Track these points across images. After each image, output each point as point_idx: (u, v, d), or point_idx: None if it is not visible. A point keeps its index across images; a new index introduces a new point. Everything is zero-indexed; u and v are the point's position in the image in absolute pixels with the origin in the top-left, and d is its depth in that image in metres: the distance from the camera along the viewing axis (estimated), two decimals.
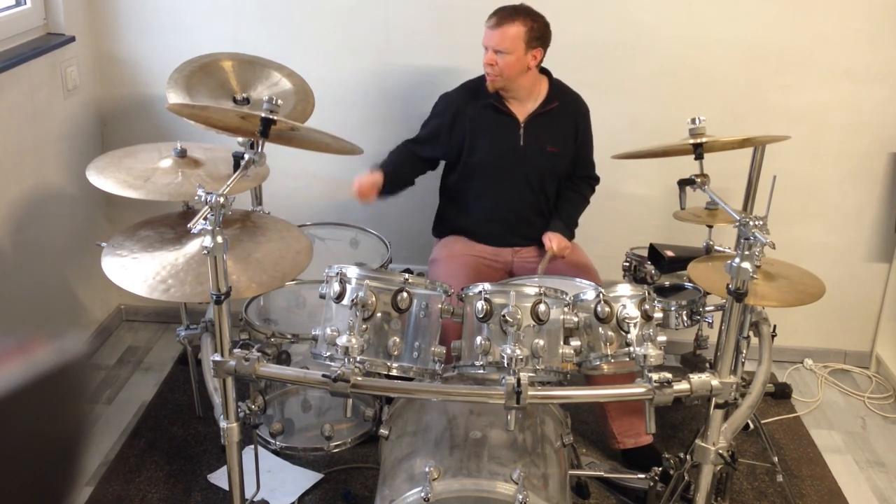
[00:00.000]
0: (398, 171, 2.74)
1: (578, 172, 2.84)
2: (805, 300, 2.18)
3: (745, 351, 2.34)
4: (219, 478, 2.57)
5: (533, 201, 2.76)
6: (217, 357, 1.85)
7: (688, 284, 2.61)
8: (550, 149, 2.72)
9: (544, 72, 2.73)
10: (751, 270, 1.75)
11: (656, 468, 2.25)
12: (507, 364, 1.76)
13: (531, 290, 1.86)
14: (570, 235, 2.78)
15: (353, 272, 1.86)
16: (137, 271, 2.06)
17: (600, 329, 1.89)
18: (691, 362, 2.87)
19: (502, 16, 2.55)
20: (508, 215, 2.76)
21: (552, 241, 2.69)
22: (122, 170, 2.38)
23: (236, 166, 2.11)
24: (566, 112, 2.74)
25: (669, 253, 2.56)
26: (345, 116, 3.14)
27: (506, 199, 2.74)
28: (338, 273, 1.88)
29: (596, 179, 2.91)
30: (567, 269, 2.63)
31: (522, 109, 2.70)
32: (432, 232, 2.95)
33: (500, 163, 2.71)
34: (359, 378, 1.77)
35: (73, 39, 2.96)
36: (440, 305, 1.90)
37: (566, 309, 1.90)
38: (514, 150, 2.70)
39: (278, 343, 2.42)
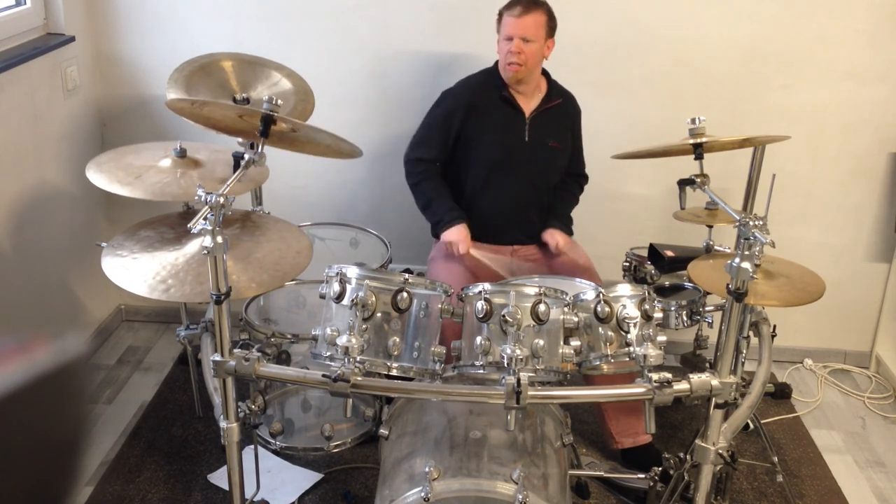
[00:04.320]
0: (446, 191, 2.75)
1: (570, 171, 2.87)
2: (805, 299, 2.18)
3: (745, 351, 2.34)
4: (219, 478, 2.57)
5: (533, 197, 2.78)
6: (217, 357, 1.85)
7: (688, 284, 2.61)
8: (552, 144, 2.75)
9: (542, 71, 2.75)
10: (751, 270, 1.75)
11: (656, 468, 2.25)
12: (507, 364, 1.76)
13: (531, 290, 1.86)
14: (569, 233, 2.81)
15: (353, 272, 1.86)
16: (137, 271, 2.06)
17: (600, 329, 1.89)
18: (691, 362, 2.87)
19: (527, 4, 2.59)
20: (509, 210, 2.77)
21: (556, 237, 2.71)
22: (117, 167, 2.38)
23: (236, 166, 2.11)
24: (565, 109, 2.79)
25: (669, 253, 2.56)
26: (345, 116, 3.13)
27: (507, 194, 2.75)
28: (338, 273, 1.88)
29: (585, 178, 2.94)
30: (567, 269, 2.63)
31: (528, 105, 2.72)
32: (431, 233, 2.95)
33: (506, 158, 2.72)
34: (359, 378, 1.77)
35: (73, 39, 2.96)
36: (440, 305, 1.90)
37: (566, 309, 1.90)
38: (520, 145, 2.72)
39: (278, 343, 2.42)
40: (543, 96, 2.73)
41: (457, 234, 2.65)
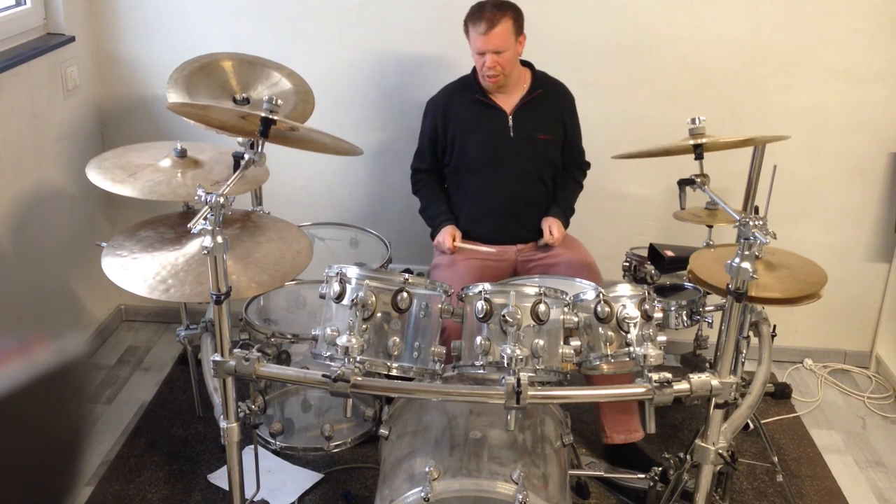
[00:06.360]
0: (441, 195, 2.85)
1: (569, 160, 2.87)
2: (807, 290, 2.15)
3: (745, 351, 2.34)
4: (219, 478, 2.57)
5: (531, 191, 2.77)
6: (217, 357, 1.85)
7: (688, 284, 2.60)
8: (541, 136, 2.74)
9: (525, 64, 2.76)
10: (751, 270, 1.75)
11: (656, 468, 2.25)
12: (507, 364, 1.75)
13: (531, 290, 1.86)
14: (566, 223, 2.82)
15: (353, 272, 1.86)
16: (137, 271, 2.06)
17: (600, 329, 1.89)
18: (691, 362, 2.87)
19: (490, 17, 2.56)
20: (509, 208, 2.77)
21: (552, 228, 2.73)
22: (116, 165, 2.38)
23: (236, 166, 2.11)
24: (551, 99, 2.77)
25: (669, 253, 2.56)
26: (345, 116, 3.14)
27: (504, 191, 2.75)
28: (338, 273, 1.88)
29: (587, 165, 2.94)
30: (570, 267, 2.63)
31: (509, 101, 2.72)
32: (431, 236, 2.95)
33: (494, 156, 2.72)
34: (359, 378, 1.77)
35: (73, 39, 2.96)
36: (440, 305, 1.90)
37: (566, 309, 1.90)
38: (506, 141, 2.72)
39: (278, 343, 2.42)
40: (527, 89, 2.73)
41: (442, 236, 2.74)
